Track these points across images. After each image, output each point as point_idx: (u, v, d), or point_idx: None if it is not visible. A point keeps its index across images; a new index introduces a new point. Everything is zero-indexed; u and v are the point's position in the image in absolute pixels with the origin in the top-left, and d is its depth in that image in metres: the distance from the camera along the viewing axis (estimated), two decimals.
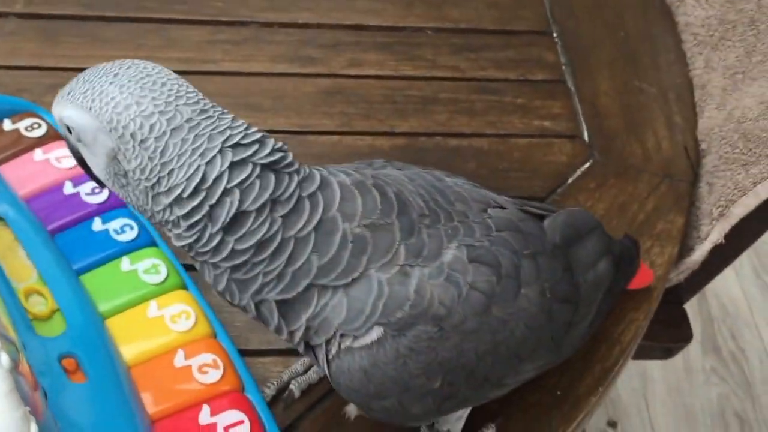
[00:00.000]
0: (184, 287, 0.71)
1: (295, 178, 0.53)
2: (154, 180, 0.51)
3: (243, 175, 0.51)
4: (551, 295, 0.62)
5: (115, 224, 0.72)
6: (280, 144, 0.54)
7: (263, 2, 1.08)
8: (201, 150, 0.50)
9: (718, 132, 0.95)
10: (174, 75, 0.53)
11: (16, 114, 0.83)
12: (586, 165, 0.94)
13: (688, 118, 1.01)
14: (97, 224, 0.72)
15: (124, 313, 0.68)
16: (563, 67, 1.06)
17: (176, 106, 0.50)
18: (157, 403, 0.62)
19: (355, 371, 0.55)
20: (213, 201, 0.50)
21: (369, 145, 0.94)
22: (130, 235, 0.72)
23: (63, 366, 0.59)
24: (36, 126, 0.81)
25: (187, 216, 0.51)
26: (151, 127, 0.50)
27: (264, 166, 0.52)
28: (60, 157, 0.78)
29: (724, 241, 0.89)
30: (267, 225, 0.52)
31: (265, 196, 0.51)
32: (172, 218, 0.52)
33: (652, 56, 1.08)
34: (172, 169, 0.50)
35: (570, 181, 0.93)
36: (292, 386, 0.70)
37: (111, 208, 0.74)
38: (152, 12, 1.04)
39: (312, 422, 0.69)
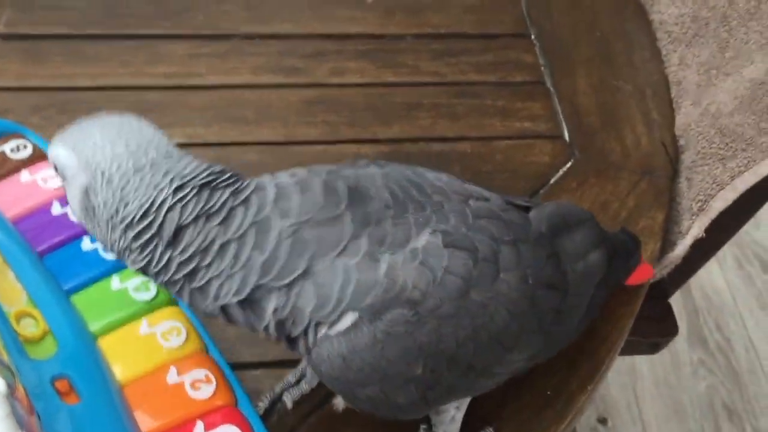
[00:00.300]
0: (174, 303, 0.72)
1: (228, 190, 0.57)
2: (113, 211, 0.56)
3: (181, 194, 0.56)
4: (534, 281, 0.62)
5: None
6: (221, 167, 0.58)
7: (245, 14, 1.09)
8: (155, 183, 0.55)
9: (694, 128, 0.96)
10: (152, 126, 0.59)
11: (1, 136, 0.83)
12: (568, 164, 0.96)
13: (666, 114, 1.02)
14: (86, 244, 0.73)
15: (115, 331, 0.68)
16: (542, 69, 1.08)
17: (145, 150, 0.56)
18: (152, 420, 0.63)
19: (334, 358, 0.57)
20: (159, 221, 0.55)
21: (354, 153, 0.95)
22: None
23: (56, 388, 0.59)
24: (22, 147, 0.82)
25: (137, 237, 0.56)
26: (119, 166, 0.55)
27: (201, 186, 0.56)
28: (47, 178, 0.78)
29: (704, 235, 0.91)
30: (204, 234, 0.56)
31: (198, 209, 0.56)
32: (126, 244, 0.56)
33: (628, 54, 1.10)
34: (128, 201, 0.55)
35: (552, 181, 0.94)
36: (284, 397, 0.71)
37: None
38: (136, 28, 1.05)
39: (308, 430, 0.71)
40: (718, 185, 0.89)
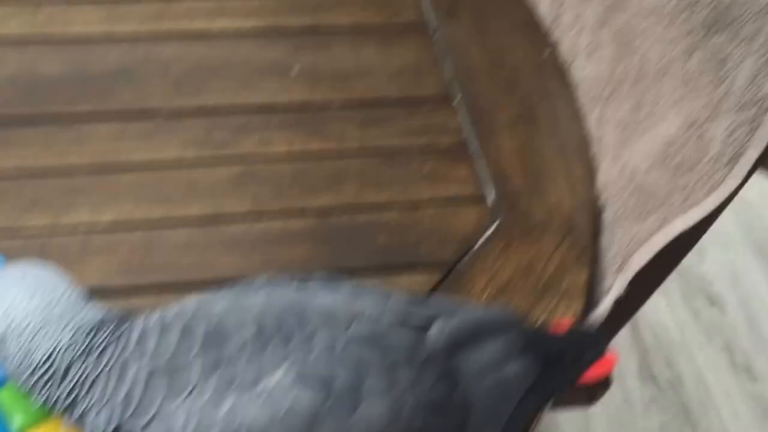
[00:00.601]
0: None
1: (111, 329, 0.62)
2: (21, 358, 0.61)
3: (73, 338, 0.61)
4: (416, 405, 0.61)
5: None
6: (105, 312, 0.64)
7: (170, 91, 1.10)
8: (56, 335, 0.61)
9: (613, 185, 0.99)
10: (62, 278, 0.65)
11: None
12: (493, 227, 0.98)
13: (587, 172, 1.05)
14: None
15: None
16: (466, 132, 1.10)
17: (54, 304, 0.63)
18: None
19: None
20: (56, 365, 0.61)
21: (281, 230, 0.96)
22: None
23: None
24: None
25: (39, 378, 0.61)
26: (29, 322, 0.62)
27: (91, 329, 0.61)
28: None
29: (625, 293, 0.93)
30: (83, 368, 0.61)
31: (82, 348, 0.61)
32: (32, 383, 0.62)
33: (550, 114, 1.13)
34: (34, 351, 0.61)
35: (477, 246, 0.96)
36: None
37: None
38: (60, 109, 1.06)
39: None
40: (636, 243, 0.92)
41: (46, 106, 1.06)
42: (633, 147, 1.00)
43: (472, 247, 0.95)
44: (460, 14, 1.28)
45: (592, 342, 0.79)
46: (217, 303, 0.64)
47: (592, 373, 0.78)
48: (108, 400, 0.60)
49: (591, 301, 0.95)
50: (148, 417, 0.59)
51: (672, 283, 2.21)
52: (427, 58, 1.20)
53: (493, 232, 0.97)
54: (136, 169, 1.01)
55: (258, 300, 0.64)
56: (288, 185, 1.01)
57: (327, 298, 0.65)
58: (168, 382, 0.59)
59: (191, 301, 0.66)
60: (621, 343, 2.08)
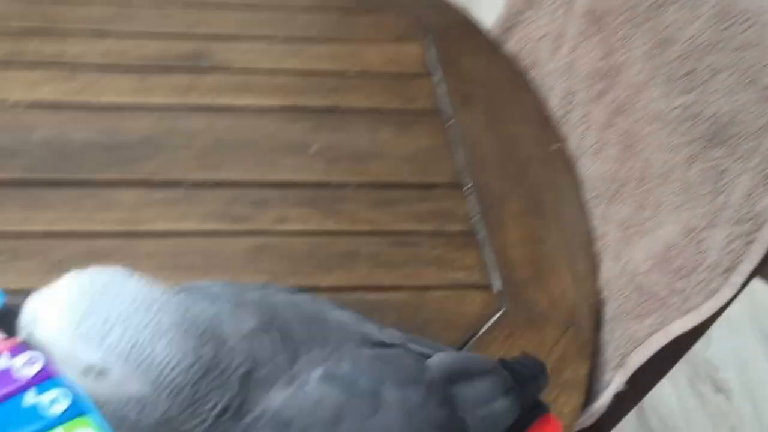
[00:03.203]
0: None
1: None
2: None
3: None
4: (422, 422, 0.66)
5: (46, 397, 0.75)
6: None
7: (194, 163, 1.15)
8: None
9: (615, 283, 1.03)
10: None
11: None
12: (497, 315, 1.01)
13: (590, 268, 1.09)
14: (28, 399, 0.75)
15: None
16: (475, 219, 1.15)
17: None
18: None
19: None
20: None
21: None
22: (62, 406, 0.75)
23: None
24: None
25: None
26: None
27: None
28: None
29: (626, 386, 0.96)
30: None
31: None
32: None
33: (557, 207, 1.18)
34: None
35: (482, 332, 0.99)
36: None
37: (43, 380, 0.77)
38: (89, 174, 1.10)
39: None
40: (634, 342, 0.95)
41: (75, 170, 1.11)
42: (634, 247, 1.04)
43: (477, 332, 0.99)
44: (474, 104, 1.34)
45: (540, 369, 0.82)
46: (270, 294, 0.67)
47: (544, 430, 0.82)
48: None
49: (590, 393, 0.98)
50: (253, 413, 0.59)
51: (679, 367, 2.22)
52: (440, 145, 1.26)
53: (497, 320, 1.01)
54: (157, 237, 1.05)
55: (285, 302, 0.67)
56: (303, 261, 1.05)
57: (339, 314, 0.70)
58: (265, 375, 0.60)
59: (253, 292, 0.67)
60: (626, 425, 2.09)
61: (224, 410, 0.59)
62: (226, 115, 1.24)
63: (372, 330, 0.72)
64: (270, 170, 1.17)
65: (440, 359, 0.72)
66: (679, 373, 2.18)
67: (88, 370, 0.57)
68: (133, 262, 1.00)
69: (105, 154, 1.14)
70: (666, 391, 2.15)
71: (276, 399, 0.60)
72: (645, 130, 1.11)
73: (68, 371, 0.59)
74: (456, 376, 0.72)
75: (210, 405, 0.58)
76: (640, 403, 2.07)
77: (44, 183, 1.08)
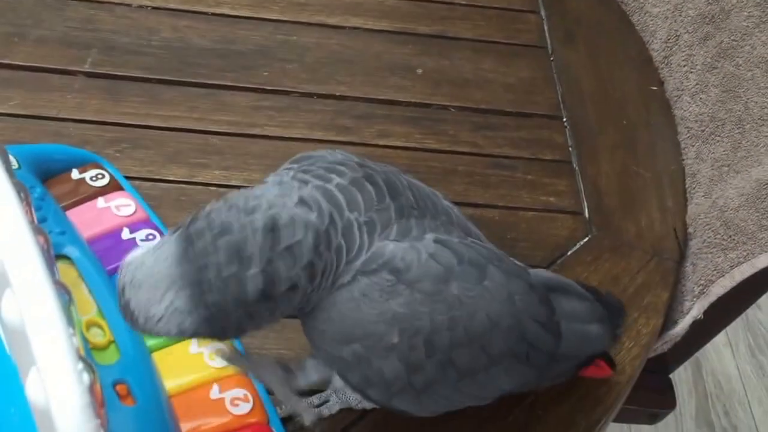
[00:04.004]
0: None
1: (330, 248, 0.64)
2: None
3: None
4: (522, 308, 0.69)
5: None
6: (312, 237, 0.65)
7: (304, 75, 1.21)
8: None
9: (703, 218, 1.05)
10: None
11: (82, 165, 0.94)
12: (585, 239, 1.05)
13: (679, 203, 1.12)
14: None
15: (168, 348, 0.77)
16: (570, 149, 1.18)
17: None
18: (194, 428, 0.72)
19: (320, 310, 0.64)
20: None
21: None
22: None
23: (116, 391, 0.67)
24: (100, 177, 0.92)
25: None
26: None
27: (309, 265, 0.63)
28: (119, 206, 0.89)
29: (703, 317, 0.99)
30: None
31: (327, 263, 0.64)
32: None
33: (650, 144, 1.20)
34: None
35: (569, 253, 1.03)
36: (304, 414, 0.76)
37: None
38: (205, 78, 1.17)
39: None
40: (718, 272, 0.98)
41: (192, 73, 1.17)
42: (726, 185, 1.06)
43: (565, 253, 1.03)
44: (577, 42, 1.36)
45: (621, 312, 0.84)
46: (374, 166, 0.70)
47: (595, 373, 0.84)
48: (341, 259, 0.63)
49: (669, 320, 1.01)
50: (362, 254, 0.63)
51: (739, 335, 2.23)
52: (541, 78, 1.28)
53: (585, 243, 1.04)
54: (266, 140, 1.11)
55: (404, 178, 0.71)
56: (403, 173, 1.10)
57: (450, 205, 0.74)
58: (379, 221, 0.64)
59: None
60: (682, 385, 2.11)
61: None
62: (336, 34, 1.29)
63: (477, 232, 0.75)
64: (376, 88, 1.22)
65: (541, 272, 0.76)
66: (739, 341, 2.18)
67: None
68: (242, 161, 1.08)
69: (220, 60, 1.20)
70: (725, 356, 2.16)
71: (389, 247, 0.64)
72: (748, 74, 1.12)
73: None
74: (553, 288, 0.75)
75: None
76: (697, 365, 2.09)
77: (164, 82, 1.15)
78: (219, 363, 0.77)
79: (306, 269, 0.62)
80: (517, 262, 0.75)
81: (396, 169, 0.73)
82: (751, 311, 2.24)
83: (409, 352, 0.65)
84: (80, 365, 0.45)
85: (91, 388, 0.45)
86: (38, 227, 0.51)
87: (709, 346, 2.10)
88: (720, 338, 2.18)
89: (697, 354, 2.05)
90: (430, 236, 0.66)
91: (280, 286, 0.61)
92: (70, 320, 0.47)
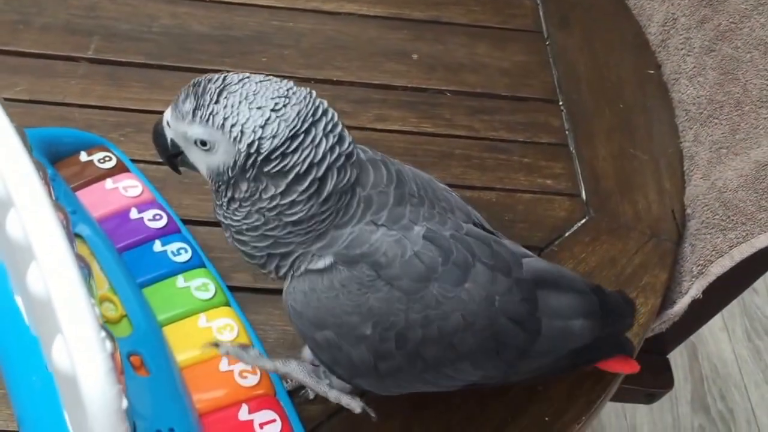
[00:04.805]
0: (229, 305, 0.83)
1: (353, 167, 0.67)
2: (277, 167, 0.63)
3: (339, 162, 0.65)
4: (501, 308, 0.70)
5: (172, 247, 0.84)
6: (350, 139, 0.67)
7: (301, 60, 1.21)
8: (315, 144, 0.64)
9: (701, 199, 1.06)
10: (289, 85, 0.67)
11: (90, 148, 0.95)
12: (582, 221, 1.06)
13: (677, 184, 1.12)
14: (157, 246, 0.84)
15: (178, 322, 0.79)
16: (566, 133, 1.18)
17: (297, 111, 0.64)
18: (204, 399, 0.73)
19: (299, 292, 0.66)
20: (320, 175, 0.64)
21: None
22: (185, 257, 0.84)
23: (131, 362, 0.69)
24: (107, 159, 0.94)
25: (303, 192, 0.64)
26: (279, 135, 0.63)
27: (346, 156, 0.66)
28: (127, 187, 0.91)
29: (702, 296, 1.00)
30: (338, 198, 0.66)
31: (344, 181, 0.65)
32: (283, 201, 0.64)
33: (647, 127, 1.20)
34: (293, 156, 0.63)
35: (567, 234, 1.04)
36: (308, 388, 0.79)
37: (169, 233, 0.86)
38: (205, 63, 1.17)
39: (331, 428, 0.80)
40: (717, 253, 0.98)
41: (191, 58, 1.18)
42: (725, 166, 1.07)
43: (563, 234, 1.03)
44: (573, 26, 1.36)
45: (630, 310, 0.84)
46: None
47: (616, 367, 0.86)
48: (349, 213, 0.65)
49: (668, 300, 1.02)
50: (356, 222, 0.65)
51: (736, 320, 2.24)
52: (536, 62, 1.29)
53: (582, 225, 1.05)
54: None
55: (405, 167, 0.73)
56: (400, 157, 1.08)
57: (449, 193, 0.75)
58: (377, 202, 0.66)
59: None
60: (678, 369, 2.11)
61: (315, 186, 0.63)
62: (332, 19, 1.29)
63: (477, 215, 0.76)
64: (372, 73, 1.22)
65: (536, 263, 0.76)
66: (736, 325, 2.19)
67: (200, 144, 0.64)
68: None
69: (219, 46, 1.20)
70: (722, 340, 2.16)
71: (375, 235, 0.66)
72: (747, 56, 1.12)
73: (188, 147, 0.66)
74: (544, 283, 0.75)
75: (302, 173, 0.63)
76: (693, 349, 2.10)
77: (164, 67, 1.16)
78: (226, 336, 0.79)
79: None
80: (514, 249, 0.76)
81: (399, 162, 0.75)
82: (748, 296, 2.25)
83: (380, 344, 0.67)
84: (103, 333, 0.46)
85: (112, 356, 0.47)
86: (58, 203, 0.52)
87: (705, 330, 2.12)
88: (716, 322, 2.19)
89: (694, 338, 2.07)
90: (420, 228, 0.67)
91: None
92: (90, 291, 0.47)
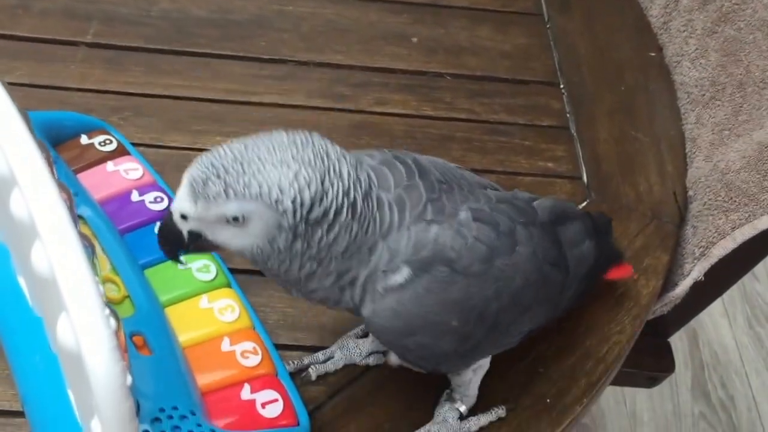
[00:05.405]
0: (230, 286, 0.83)
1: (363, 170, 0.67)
2: (320, 210, 0.63)
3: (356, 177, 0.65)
4: (542, 258, 0.75)
5: None
6: (345, 151, 0.67)
7: (301, 43, 1.21)
8: (338, 174, 0.64)
9: (704, 181, 1.05)
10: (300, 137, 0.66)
11: (91, 131, 0.95)
12: (584, 203, 1.05)
13: (678, 167, 1.12)
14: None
15: (180, 303, 0.79)
16: (567, 115, 1.18)
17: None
18: (207, 379, 0.73)
19: (387, 310, 0.68)
20: (353, 200, 0.64)
21: None
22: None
23: (133, 342, 0.69)
24: (108, 142, 0.94)
25: (344, 221, 0.64)
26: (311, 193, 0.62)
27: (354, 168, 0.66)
28: (128, 170, 0.91)
29: (703, 278, 1.00)
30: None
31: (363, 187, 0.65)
32: (330, 237, 0.64)
33: (649, 109, 1.20)
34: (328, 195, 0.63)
35: None
36: (310, 370, 0.81)
37: None
38: (204, 48, 1.17)
39: (333, 407, 0.80)
40: (719, 234, 0.98)
41: (190, 43, 1.17)
42: (727, 148, 1.06)
43: None
44: (573, 9, 1.35)
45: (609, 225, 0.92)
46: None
47: (615, 275, 0.91)
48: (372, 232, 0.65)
49: (669, 282, 1.02)
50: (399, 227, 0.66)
51: (737, 306, 2.24)
52: (537, 45, 1.28)
53: (584, 207, 1.05)
54: (265, 107, 1.11)
55: (421, 157, 0.74)
56: (400, 140, 1.10)
57: (454, 166, 0.77)
58: (409, 198, 0.67)
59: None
60: (679, 356, 2.11)
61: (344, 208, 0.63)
62: (331, 3, 1.29)
63: (485, 181, 0.79)
64: (371, 56, 1.22)
65: (542, 202, 0.80)
66: (737, 312, 2.19)
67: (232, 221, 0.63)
68: (242, 127, 1.08)
69: (218, 30, 1.20)
70: (722, 326, 2.16)
71: (432, 231, 0.67)
72: (750, 37, 1.12)
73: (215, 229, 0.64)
74: (557, 219, 0.80)
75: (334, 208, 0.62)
76: (693, 335, 2.10)
77: (163, 51, 1.15)
78: (228, 317, 0.79)
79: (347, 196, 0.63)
80: (524, 198, 0.79)
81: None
82: (749, 283, 2.24)
83: (463, 328, 0.71)
84: (107, 311, 0.46)
85: (116, 334, 0.47)
86: (61, 183, 0.52)
87: (706, 317, 2.12)
88: (717, 309, 2.19)
89: (694, 325, 2.07)
90: (465, 212, 0.69)
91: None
92: (94, 270, 0.47)
